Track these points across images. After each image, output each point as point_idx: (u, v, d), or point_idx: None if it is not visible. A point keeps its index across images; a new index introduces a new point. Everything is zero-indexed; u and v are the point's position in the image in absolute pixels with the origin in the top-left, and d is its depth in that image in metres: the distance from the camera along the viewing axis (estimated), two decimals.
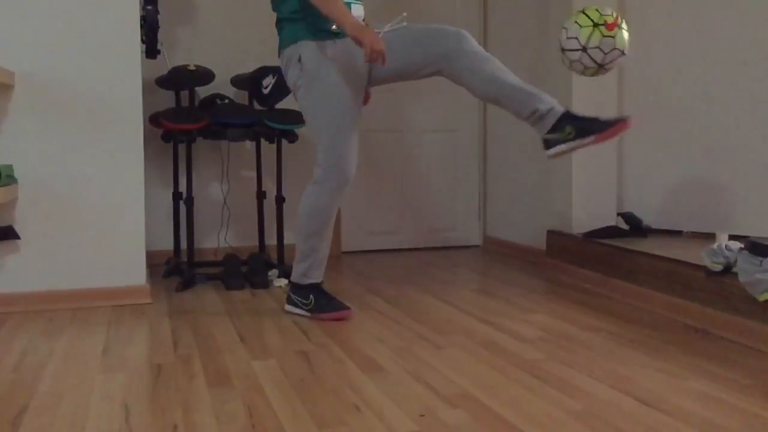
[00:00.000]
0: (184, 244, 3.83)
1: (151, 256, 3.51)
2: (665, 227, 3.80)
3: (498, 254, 4.58)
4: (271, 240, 4.11)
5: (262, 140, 3.91)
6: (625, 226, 3.76)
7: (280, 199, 3.84)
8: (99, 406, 2.00)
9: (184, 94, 3.90)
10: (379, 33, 2.72)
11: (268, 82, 3.69)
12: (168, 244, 3.97)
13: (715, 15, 3.60)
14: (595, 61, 2.55)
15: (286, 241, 3.86)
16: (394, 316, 2.99)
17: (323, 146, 2.82)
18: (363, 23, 2.70)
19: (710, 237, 3.35)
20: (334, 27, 2.77)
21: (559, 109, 2.63)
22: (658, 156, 3.82)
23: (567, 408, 1.95)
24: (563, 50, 2.59)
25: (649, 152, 3.86)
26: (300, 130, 3.74)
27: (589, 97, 3.73)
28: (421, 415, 1.91)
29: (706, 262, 2.79)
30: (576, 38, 2.54)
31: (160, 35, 3.63)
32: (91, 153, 3.17)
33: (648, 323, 2.85)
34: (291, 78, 2.86)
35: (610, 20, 2.54)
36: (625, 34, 2.55)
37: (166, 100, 3.93)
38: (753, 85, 3.48)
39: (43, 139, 3.11)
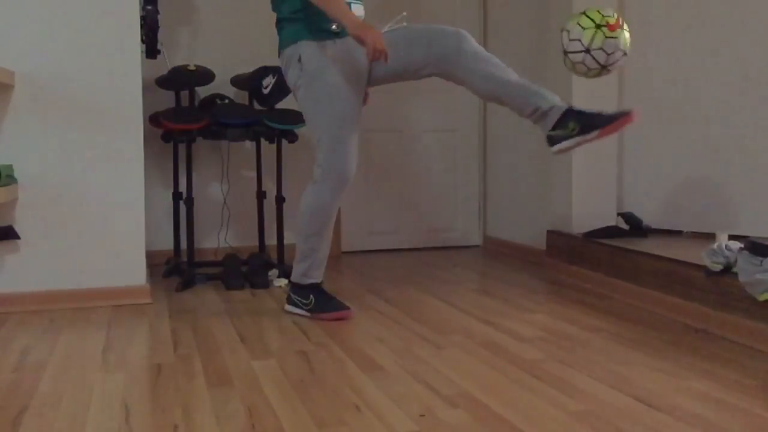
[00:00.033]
0: (184, 244, 3.83)
1: (151, 256, 3.50)
2: (665, 227, 3.80)
3: (498, 254, 4.58)
4: (271, 240, 4.10)
5: (262, 140, 3.91)
6: (625, 226, 3.76)
7: (280, 199, 3.84)
8: (99, 406, 2.00)
9: (184, 94, 3.89)
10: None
11: (268, 82, 3.69)
12: (168, 244, 3.97)
13: (715, 15, 3.60)
14: (598, 63, 2.55)
15: (286, 241, 3.86)
16: (394, 316, 2.99)
17: (323, 146, 2.82)
18: (365, 22, 2.70)
19: (710, 237, 3.35)
20: (334, 27, 2.77)
21: (562, 106, 2.62)
22: (658, 156, 3.82)
23: (567, 408, 1.95)
24: (566, 52, 2.58)
25: (649, 152, 3.86)
26: (300, 130, 3.74)
27: (589, 98, 3.72)
28: (421, 415, 1.91)
29: (706, 262, 2.79)
30: (579, 40, 2.53)
31: (160, 35, 3.63)
32: (91, 153, 3.17)
33: (648, 323, 2.85)
34: (291, 78, 2.86)
35: (612, 21, 2.54)
36: (627, 35, 2.56)
37: (166, 100, 3.93)
38: (753, 85, 3.48)
39: (43, 139, 3.11)
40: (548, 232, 4.00)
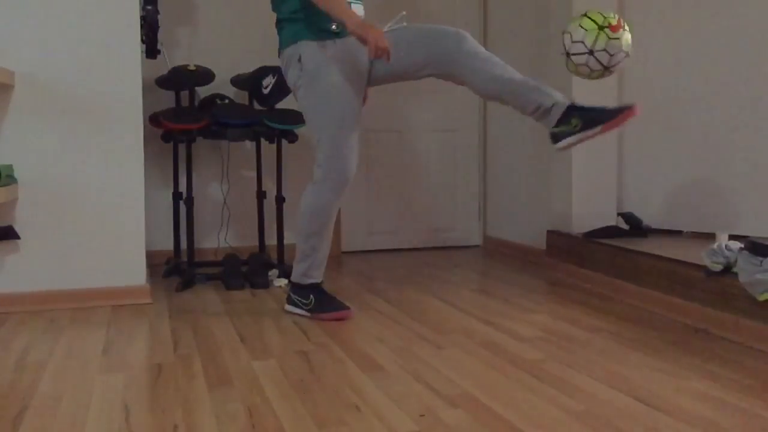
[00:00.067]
0: (184, 244, 3.83)
1: (151, 256, 3.50)
2: (665, 227, 3.80)
3: (498, 254, 4.58)
4: (271, 240, 4.10)
5: (262, 140, 3.91)
6: (625, 226, 3.76)
7: (280, 199, 3.84)
8: (99, 406, 2.00)
9: (184, 94, 3.89)
10: None
11: (268, 82, 3.68)
12: (168, 244, 3.97)
13: (715, 15, 3.60)
14: (601, 64, 2.54)
15: (286, 241, 3.86)
16: (394, 316, 2.99)
17: (323, 146, 2.82)
18: (366, 21, 2.70)
19: (710, 237, 3.35)
20: (334, 27, 2.77)
21: (564, 102, 2.61)
22: (659, 156, 3.82)
23: (567, 408, 1.95)
24: (568, 55, 2.57)
25: (649, 152, 3.86)
26: (300, 130, 3.74)
27: (588, 98, 3.71)
28: (421, 415, 1.91)
29: (706, 262, 2.79)
30: (582, 42, 2.53)
31: (160, 35, 3.63)
32: (91, 153, 3.17)
33: (648, 323, 2.85)
34: (291, 78, 2.86)
35: (614, 22, 2.54)
36: (628, 36, 2.56)
37: (166, 100, 3.93)
38: (753, 84, 3.48)
39: (43, 139, 3.11)
40: (548, 232, 4.00)
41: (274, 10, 2.88)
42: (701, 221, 3.68)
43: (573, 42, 2.55)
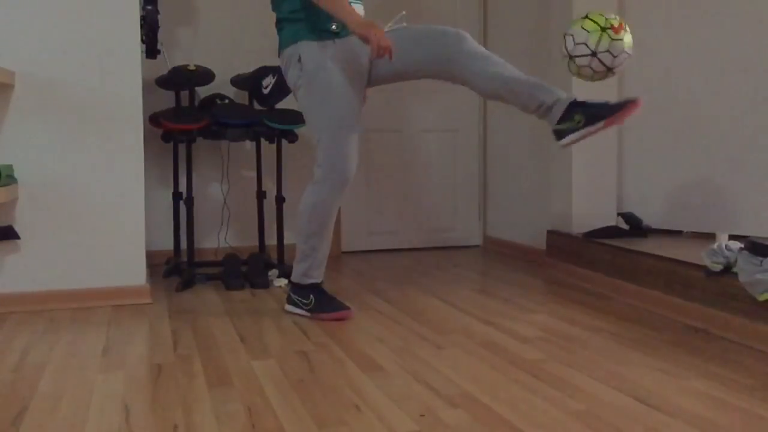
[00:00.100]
0: (184, 244, 3.83)
1: (151, 256, 3.51)
2: (665, 227, 3.80)
3: (498, 254, 4.58)
4: (271, 240, 4.11)
5: (262, 140, 3.91)
6: (625, 226, 3.76)
7: (280, 199, 3.84)
8: (99, 406, 2.00)
9: (184, 94, 3.89)
10: None
11: (268, 82, 3.69)
12: (168, 244, 3.97)
13: (715, 15, 3.60)
14: (604, 65, 2.54)
15: (286, 241, 3.86)
16: (394, 316, 2.99)
17: (323, 146, 2.82)
18: (368, 20, 2.70)
19: (710, 237, 3.35)
20: (334, 26, 2.77)
21: (566, 99, 2.61)
22: (659, 156, 3.82)
23: (567, 408, 1.95)
24: (571, 57, 2.56)
25: (649, 152, 3.86)
26: (300, 130, 3.74)
27: (589, 95, 3.72)
28: (421, 415, 1.91)
29: (706, 262, 2.79)
30: (585, 43, 2.52)
31: (160, 35, 3.63)
32: (91, 153, 3.17)
33: (648, 323, 2.85)
34: (291, 78, 2.86)
35: (616, 24, 2.53)
36: (630, 37, 2.56)
37: (166, 100, 3.93)
38: (753, 84, 3.48)
39: (43, 139, 3.11)
40: (548, 232, 4.00)
41: (274, 10, 2.88)
42: (701, 221, 3.69)
43: (576, 44, 2.54)
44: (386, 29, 2.78)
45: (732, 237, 3.06)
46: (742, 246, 2.68)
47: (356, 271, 4.01)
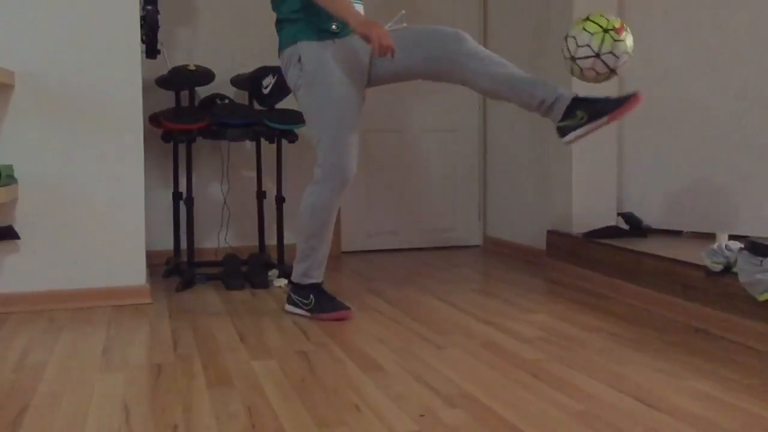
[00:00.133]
0: (184, 244, 3.83)
1: (151, 256, 3.51)
2: (665, 227, 3.80)
3: (498, 254, 4.58)
4: (271, 240, 4.10)
5: (262, 140, 3.91)
6: (625, 226, 3.76)
7: (280, 199, 3.84)
8: (99, 406, 2.00)
9: (184, 94, 3.89)
10: None
11: (268, 82, 3.68)
12: (168, 244, 3.97)
13: (715, 15, 3.60)
14: (608, 67, 2.54)
15: (286, 241, 3.86)
16: (394, 316, 2.99)
17: (323, 146, 2.82)
18: (369, 19, 2.69)
19: (710, 237, 3.35)
20: (334, 26, 2.77)
21: (568, 95, 2.61)
22: (658, 156, 3.82)
23: (567, 408, 1.95)
24: (574, 59, 2.55)
25: (649, 152, 3.86)
26: (300, 130, 3.74)
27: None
28: (421, 415, 1.91)
29: (706, 262, 2.79)
30: (588, 45, 2.52)
31: (160, 35, 3.63)
32: (91, 153, 3.17)
33: (648, 323, 2.85)
34: (291, 78, 2.86)
35: (617, 25, 2.54)
36: (631, 38, 2.56)
37: (166, 100, 3.93)
38: (752, 85, 3.48)
39: (43, 139, 3.11)
40: (548, 232, 3.99)
41: (274, 10, 2.88)
42: (701, 221, 3.68)
43: (578, 46, 2.54)
44: (386, 29, 2.78)
45: (732, 237, 3.06)
46: (742, 246, 2.68)
47: (356, 271, 4.01)
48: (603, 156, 3.85)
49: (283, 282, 3.58)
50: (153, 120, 3.75)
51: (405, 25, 2.82)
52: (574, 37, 2.55)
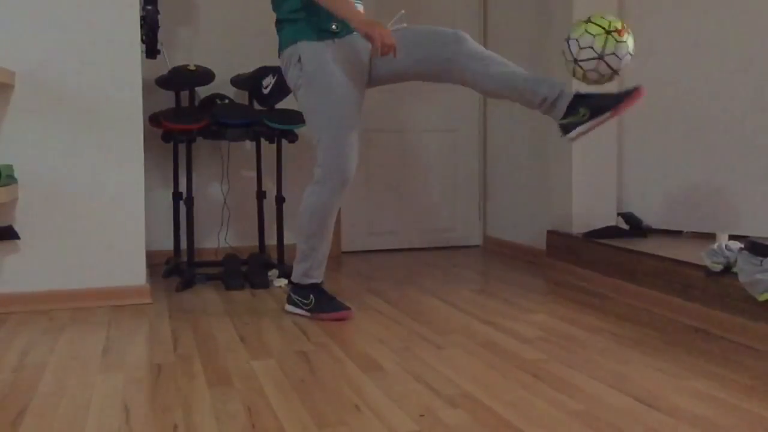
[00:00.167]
0: (184, 244, 3.83)
1: (151, 256, 3.51)
2: (665, 227, 3.80)
3: (498, 254, 4.58)
4: (271, 240, 4.10)
5: (262, 140, 3.91)
6: (625, 226, 3.76)
7: (280, 199, 3.84)
8: (99, 406, 2.00)
9: (184, 94, 3.89)
10: None
11: (268, 82, 3.68)
12: (168, 244, 3.97)
13: (715, 15, 3.60)
14: (611, 68, 2.53)
15: (286, 241, 3.86)
16: (394, 316, 2.99)
17: (323, 146, 2.82)
18: (371, 18, 2.69)
19: (710, 237, 3.35)
20: (334, 26, 2.77)
21: (569, 92, 2.60)
22: (659, 156, 3.82)
23: (567, 408, 1.95)
24: (576, 61, 2.55)
25: (649, 152, 3.86)
26: (300, 130, 3.74)
27: None
28: (421, 415, 1.91)
29: (706, 262, 2.79)
30: (591, 47, 2.51)
31: (160, 35, 3.63)
32: (91, 153, 3.17)
33: (648, 323, 2.85)
34: (291, 78, 2.86)
35: (619, 26, 2.54)
36: (632, 39, 2.56)
37: (166, 100, 3.93)
38: (753, 85, 3.48)
39: (43, 139, 3.11)
40: (548, 232, 4.00)
41: (274, 10, 2.88)
42: (701, 221, 3.69)
43: (581, 48, 2.53)
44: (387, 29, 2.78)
45: (732, 237, 3.06)
46: (742, 246, 2.68)
47: (356, 271, 4.01)
48: (603, 156, 3.85)
49: (283, 282, 3.58)
50: (153, 120, 3.75)
51: (405, 25, 2.82)
52: (576, 40, 2.55)
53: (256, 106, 3.89)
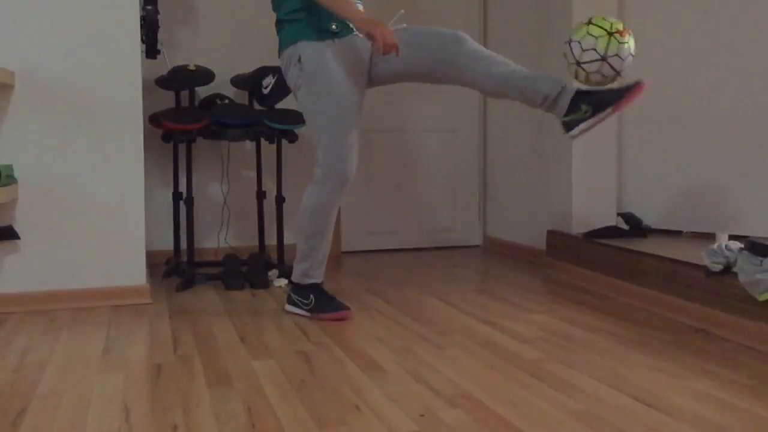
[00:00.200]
0: (184, 244, 3.83)
1: (151, 256, 3.51)
2: (665, 227, 3.80)
3: (498, 254, 4.58)
4: (271, 240, 4.11)
5: (262, 140, 3.91)
6: (625, 226, 3.76)
7: (280, 199, 3.84)
8: (99, 406, 2.00)
9: (184, 94, 3.89)
10: None
11: (268, 82, 3.68)
12: (168, 244, 3.97)
13: (715, 15, 3.60)
14: (614, 69, 2.53)
15: (286, 241, 3.86)
16: (394, 316, 2.99)
17: (323, 146, 2.82)
18: (373, 18, 2.69)
19: (710, 237, 3.35)
20: (334, 26, 2.77)
21: (570, 89, 2.60)
22: (659, 156, 3.82)
23: (567, 408, 1.95)
24: (579, 64, 2.54)
25: (649, 152, 3.86)
26: (300, 130, 3.74)
27: None
28: (421, 415, 1.91)
29: (706, 262, 2.79)
30: (594, 49, 2.51)
31: (160, 35, 3.63)
32: (91, 153, 3.17)
33: (648, 323, 2.85)
34: (291, 78, 2.86)
35: (620, 27, 2.53)
36: (633, 40, 2.56)
37: (166, 100, 3.93)
38: (753, 85, 3.48)
39: (43, 139, 3.11)
40: (548, 232, 4.00)
41: (274, 10, 2.88)
42: (701, 221, 3.69)
43: (583, 50, 2.53)
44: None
45: (732, 237, 3.07)
46: (742, 246, 2.68)
47: (356, 271, 4.01)
48: (603, 156, 3.85)
49: (283, 282, 3.58)
50: (153, 120, 3.75)
51: (404, 25, 2.82)
52: (579, 42, 2.54)
53: (256, 106, 3.89)
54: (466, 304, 3.19)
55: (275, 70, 3.61)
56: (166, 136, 3.77)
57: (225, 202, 4.18)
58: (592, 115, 2.55)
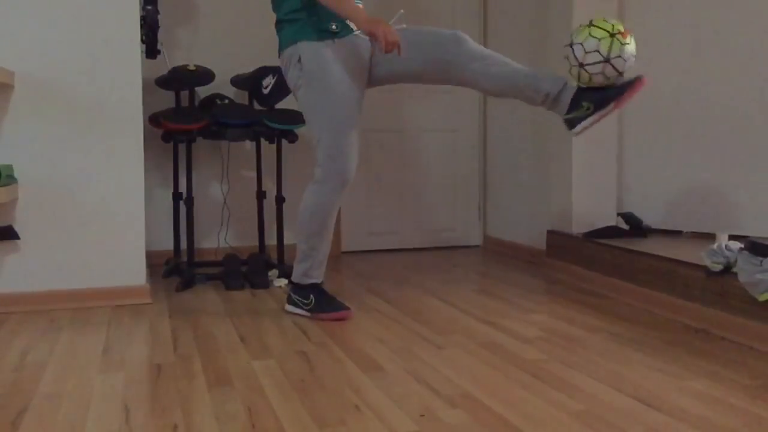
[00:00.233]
0: (184, 244, 3.83)
1: (151, 256, 3.51)
2: (665, 227, 3.80)
3: (498, 254, 4.58)
4: (271, 240, 4.11)
5: (262, 140, 3.91)
6: (625, 226, 3.76)
7: (280, 199, 3.84)
8: (99, 406, 2.00)
9: (184, 94, 3.89)
10: None
11: (268, 82, 3.69)
12: (168, 244, 3.97)
13: (715, 16, 3.60)
14: (617, 70, 2.54)
15: (286, 241, 3.86)
16: (394, 316, 2.99)
17: (323, 146, 2.82)
18: (374, 17, 2.69)
19: (710, 237, 3.35)
20: (334, 26, 2.77)
21: (571, 87, 2.60)
22: (659, 156, 3.82)
23: (567, 408, 1.95)
24: (582, 65, 2.54)
25: (649, 152, 3.86)
26: (300, 130, 3.74)
27: None
28: (421, 415, 1.91)
29: (706, 262, 2.79)
30: (597, 51, 2.51)
31: (160, 35, 3.63)
32: (91, 153, 3.17)
33: (648, 323, 2.85)
34: (291, 78, 2.86)
35: (622, 29, 2.54)
36: (634, 41, 2.56)
37: (166, 100, 3.93)
38: (753, 84, 3.48)
39: (43, 139, 3.11)
40: (548, 232, 4.00)
41: (274, 10, 2.88)
42: (701, 221, 3.69)
43: (586, 52, 2.53)
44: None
45: (732, 237, 3.06)
46: (742, 246, 2.68)
47: (356, 271, 4.01)
48: (603, 156, 3.85)
49: (283, 282, 3.58)
50: (153, 120, 3.75)
51: (404, 25, 2.82)
52: (581, 44, 2.54)
53: (256, 106, 3.89)
54: (466, 304, 3.19)
55: (275, 70, 3.62)
56: (166, 136, 3.77)
57: (225, 202, 4.18)
58: (594, 111, 2.56)
